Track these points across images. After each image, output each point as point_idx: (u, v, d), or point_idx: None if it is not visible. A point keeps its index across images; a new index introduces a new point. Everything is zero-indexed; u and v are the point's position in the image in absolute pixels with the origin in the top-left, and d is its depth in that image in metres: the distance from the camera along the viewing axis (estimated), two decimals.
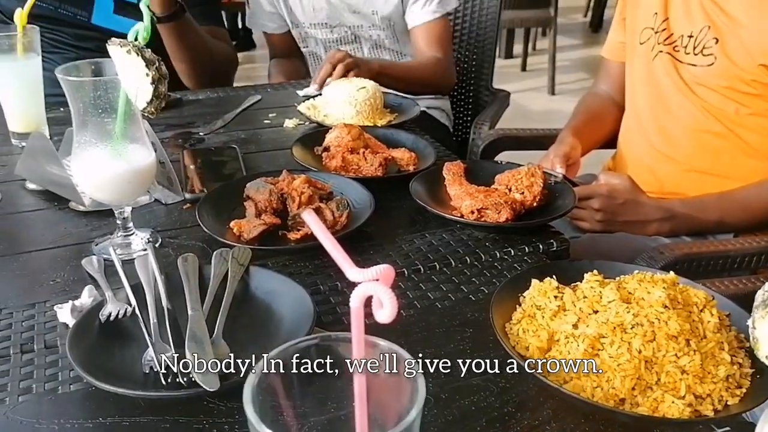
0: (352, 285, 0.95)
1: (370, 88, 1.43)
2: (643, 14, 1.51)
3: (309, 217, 0.45)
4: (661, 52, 1.45)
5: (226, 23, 5.08)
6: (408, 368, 0.42)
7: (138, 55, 0.82)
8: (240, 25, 5.52)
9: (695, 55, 1.39)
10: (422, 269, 0.94)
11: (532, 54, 5.35)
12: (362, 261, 0.95)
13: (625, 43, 1.59)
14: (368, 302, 0.46)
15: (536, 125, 2.36)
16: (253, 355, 0.66)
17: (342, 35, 1.92)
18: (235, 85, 1.90)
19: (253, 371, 0.40)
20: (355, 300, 0.43)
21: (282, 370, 0.41)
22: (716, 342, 0.64)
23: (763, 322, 0.53)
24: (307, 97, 1.56)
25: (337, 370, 0.43)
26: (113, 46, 0.83)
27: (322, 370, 0.43)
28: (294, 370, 0.42)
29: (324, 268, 0.93)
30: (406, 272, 0.93)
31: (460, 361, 0.73)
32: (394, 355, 0.43)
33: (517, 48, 5.32)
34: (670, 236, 1.36)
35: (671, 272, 0.71)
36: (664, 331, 0.62)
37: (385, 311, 0.42)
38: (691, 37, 1.40)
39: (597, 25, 6.27)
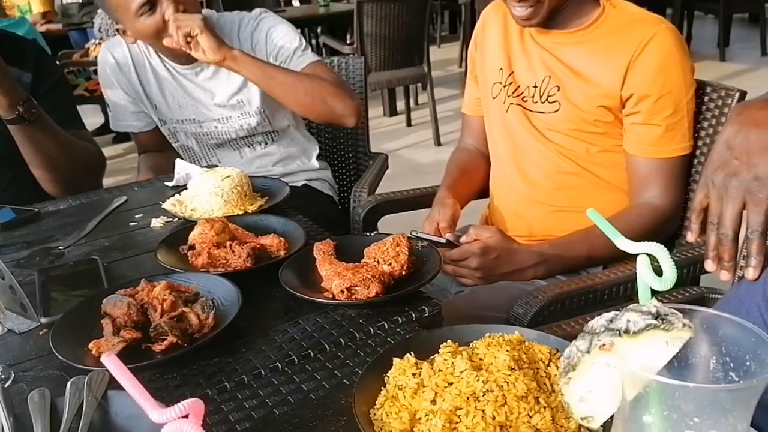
0: (224, 391, 0.92)
1: (236, 176, 1.42)
2: (490, 71, 1.59)
3: (109, 361, 0.43)
4: (512, 104, 1.53)
5: (104, 116, 4.96)
6: None
7: None
8: None
9: (542, 103, 1.48)
10: (296, 359, 0.92)
11: (415, 108, 5.53)
12: (233, 361, 0.93)
13: (480, 99, 1.67)
14: None
15: (427, 177, 2.42)
16: None
17: (212, 130, 1.91)
18: (120, 179, 1.84)
19: None
20: None
21: None
22: None
23: (568, 388, 0.55)
24: (178, 187, 1.54)
25: None
26: None
27: None
28: None
29: (193, 377, 0.90)
30: (279, 366, 0.91)
31: None
32: None
33: (401, 105, 5.49)
34: (547, 278, 1.41)
35: (516, 332, 0.73)
36: (513, 393, 0.64)
37: None
38: (535, 87, 1.50)
39: None
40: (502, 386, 0.64)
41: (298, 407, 0.83)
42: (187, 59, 1.81)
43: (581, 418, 0.57)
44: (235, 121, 1.88)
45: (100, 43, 4.40)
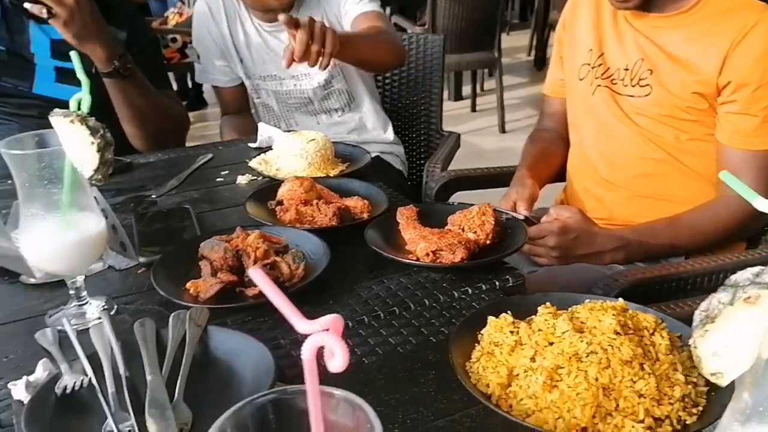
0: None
1: (320, 140, 1.45)
2: (579, 52, 1.57)
3: (256, 274, 0.45)
4: (599, 86, 1.51)
5: (175, 84, 5.09)
6: (364, 416, 0.42)
7: (82, 124, 0.82)
8: (190, 85, 5.54)
9: (632, 86, 1.46)
10: (382, 315, 0.94)
11: (481, 94, 5.48)
12: (321, 311, 0.94)
13: (564, 80, 1.65)
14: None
15: (490, 163, 2.41)
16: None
17: (290, 88, 1.95)
18: (186, 144, 1.91)
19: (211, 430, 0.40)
20: (307, 352, 0.43)
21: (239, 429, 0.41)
22: (669, 363, 0.65)
23: (703, 341, 0.55)
24: (260, 149, 1.58)
25: (295, 425, 0.43)
26: (56, 117, 0.83)
27: (281, 426, 0.43)
28: (251, 428, 0.42)
29: (284, 322, 0.90)
30: (366, 319, 0.93)
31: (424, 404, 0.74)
32: (349, 403, 0.43)
33: (466, 89, 5.45)
34: (625, 263, 1.39)
35: (620, 299, 0.73)
36: (617, 357, 0.64)
37: (337, 360, 0.42)
38: (627, 69, 1.47)
39: (540, 63, 6.48)
40: (606, 349, 0.64)
41: (387, 359, 0.84)
42: (272, 18, 1.87)
43: (710, 374, 0.56)
44: (312, 78, 1.93)
45: (179, 12, 4.49)
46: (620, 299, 0.73)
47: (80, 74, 0.86)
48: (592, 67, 1.53)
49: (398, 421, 0.72)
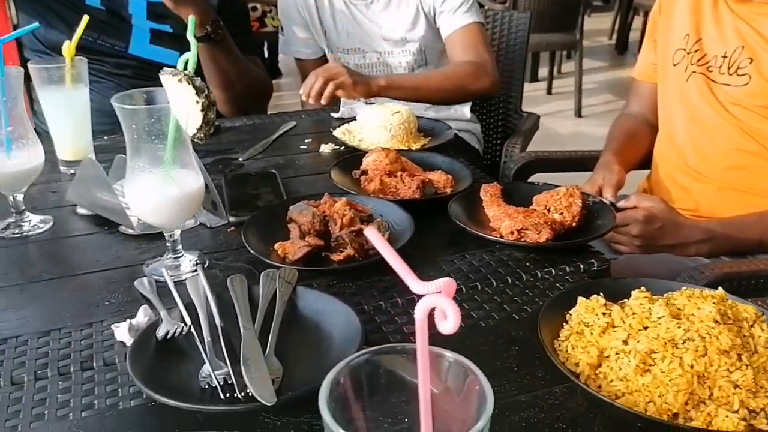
0: (396, 305, 0.96)
1: (405, 113, 1.46)
2: (675, 36, 1.52)
3: (371, 233, 0.46)
4: (694, 72, 1.46)
5: None
6: (476, 380, 0.43)
7: (189, 83, 0.85)
8: (266, 54, 5.62)
9: (730, 75, 1.40)
10: (464, 289, 0.95)
11: (558, 77, 5.36)
12: (404, 281, 0.96)
13: (656, 65, 1.60)
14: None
15: (564, 147, 2.37)
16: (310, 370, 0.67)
17: (374, 61, 1.96)
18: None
19: (329, 377, 0.42)
20: (420, 312, 0.44)
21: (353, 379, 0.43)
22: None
23: None
24: (342, 119, 1.59)
25: (404, 381, 0.45)
26: (165, 75, 0.86)
27: (390, 381, 0.44)
28: (364, 379, 0.44)
29: (367, 288, 0.94)
30: None
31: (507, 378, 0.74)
32: (461, 366, 0.44)
33: (542, 71, 5.35)
34: (710, 257, 1.35)
35: (720, 288, 0.71)
36: (715, 346, 0.63)
37: (449, 322, 0.43)
38: (725, 57, 1.41)
39: (622, 47, 6.28)
40: (704, 337, 0.63)
41: (469, 332, 0.85)
42: None
43: None
44: (395, 56, 1.93)
45: None
46: (720, 288, 0.71)
47: (190, 36, 0.89)
48: (688, 53, 1.48)
49: None
